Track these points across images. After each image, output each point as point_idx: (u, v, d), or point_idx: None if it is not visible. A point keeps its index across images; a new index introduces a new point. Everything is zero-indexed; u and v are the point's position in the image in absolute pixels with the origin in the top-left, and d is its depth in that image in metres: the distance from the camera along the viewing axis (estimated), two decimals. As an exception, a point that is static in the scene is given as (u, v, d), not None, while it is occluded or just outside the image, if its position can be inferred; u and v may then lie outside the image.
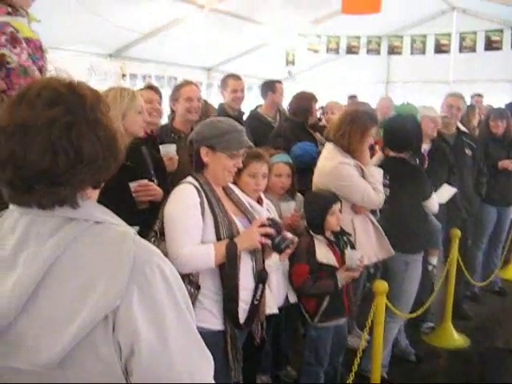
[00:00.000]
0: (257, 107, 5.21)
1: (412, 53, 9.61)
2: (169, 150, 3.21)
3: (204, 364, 1.14)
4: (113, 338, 1.04)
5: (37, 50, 2.53)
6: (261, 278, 2.42)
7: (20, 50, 2.43)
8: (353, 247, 3.23)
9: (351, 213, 3.34)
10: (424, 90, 10.60)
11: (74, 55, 7.92)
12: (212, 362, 1.16)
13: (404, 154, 3.61)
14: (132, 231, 1.13)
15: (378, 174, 3.36)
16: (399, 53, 9.87)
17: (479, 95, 8.13)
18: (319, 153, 3.67)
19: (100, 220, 1.11)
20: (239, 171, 2.89)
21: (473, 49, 9.19)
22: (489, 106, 7.27)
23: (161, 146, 3.18)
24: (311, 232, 3.16)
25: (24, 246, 1.07)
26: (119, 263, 1.04)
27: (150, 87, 3.94)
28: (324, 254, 3.10)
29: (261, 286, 2.41)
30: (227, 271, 2.28)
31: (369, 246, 3.30)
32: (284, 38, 9.86)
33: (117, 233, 1.10)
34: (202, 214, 2.29)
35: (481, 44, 9.08)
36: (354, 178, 3.25)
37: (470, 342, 4.36)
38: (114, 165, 1.15)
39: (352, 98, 9.61)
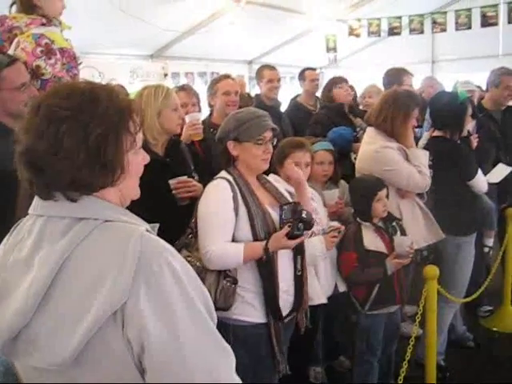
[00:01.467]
0: (296, 96, 5.16)
1: (457, 29, 9.24)
2: (194, 117, 3.16)
3: (221, 356, 1.12)
4: (123, 335, 1.05)
5: (71, 60, 2.59)
6: (298, 249, 2.39)
7: (55, 60, 2.49)
8: (403, 233, 3.14)
9: (397, 197, 3.26)
10: (472, 66, 10.23)
11: (116, 59, 8.12)
12: (232, 354, 1.14)
13: (447, 132, 3.47)
14: (143, 228, 1.13)
15: (423, 157, 3.24)
16: (443, 30, 9.49)
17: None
18: (356, 137, 3.58)
19: (109, 218, 1.12)
20: (282, 161, 2.89)
21: (523, 18, 8.76)
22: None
23: (186, 116, 3.13)
24: (358, 219, 3.11)
25: (39, 247, 1.11)
26: (124, 260, 1.04)
27: (183, 88, 3.83)
28: (372, 240, 3.04)
29: (299, 257, 2.40)
30: (264, 268, 2.27)
31: (417, 230, 3.20)
32: (323, 25, 9.70)
33: (125, 230, 1.11)
34: (236, 207, 2.28)
35: (531, 13, 8.65)
36: (398, 162, 3.15)
37: (533, 325, 4.19)
38: (100, 175, 1.13)
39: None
